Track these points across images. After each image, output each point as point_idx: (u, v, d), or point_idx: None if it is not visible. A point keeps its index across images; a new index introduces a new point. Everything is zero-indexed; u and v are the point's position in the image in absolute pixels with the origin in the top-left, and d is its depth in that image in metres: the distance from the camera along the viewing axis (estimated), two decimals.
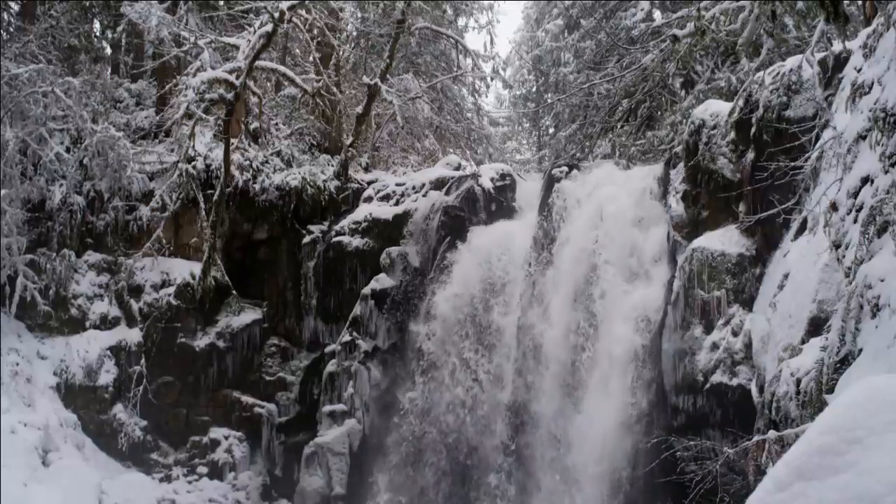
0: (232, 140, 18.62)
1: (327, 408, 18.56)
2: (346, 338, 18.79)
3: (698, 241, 14.62)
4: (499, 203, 19.28)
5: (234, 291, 19.82)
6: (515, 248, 17.94)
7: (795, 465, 4.42)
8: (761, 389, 11.90)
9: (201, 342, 19.50)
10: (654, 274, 15.94)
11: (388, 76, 21.35)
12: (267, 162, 20.46)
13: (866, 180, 8.88)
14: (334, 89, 21.59)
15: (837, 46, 12.51)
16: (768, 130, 13.63)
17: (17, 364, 17.04)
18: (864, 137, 9.00)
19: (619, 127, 23.85)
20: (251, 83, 18.27)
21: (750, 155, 14.22)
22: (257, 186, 20.05)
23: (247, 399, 19.54)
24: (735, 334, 13.80)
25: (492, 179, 19.45)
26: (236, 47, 18.11)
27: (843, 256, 9.37)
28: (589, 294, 16.32)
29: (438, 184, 19.68)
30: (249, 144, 20.93)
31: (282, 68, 20.37)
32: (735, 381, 13.61)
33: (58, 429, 16.79)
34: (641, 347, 15.24)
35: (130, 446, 18.46)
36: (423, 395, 17.80)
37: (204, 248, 18.32)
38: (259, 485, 19.00)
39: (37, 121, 17.70)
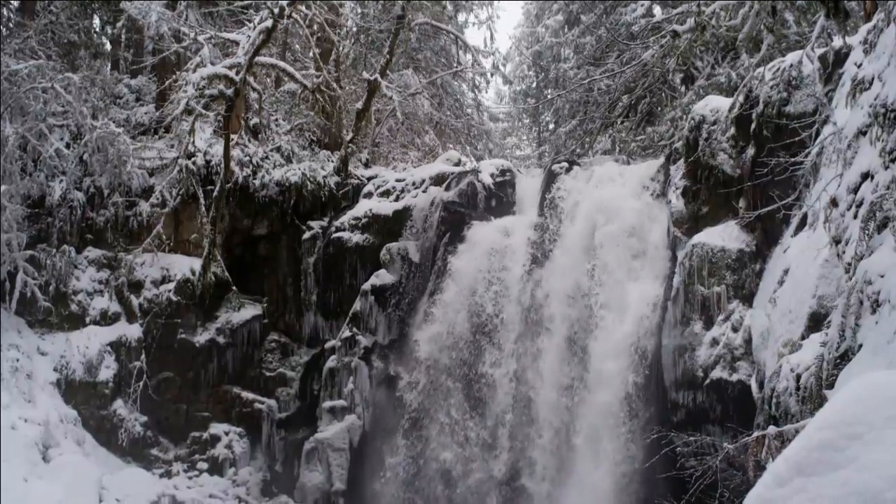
0: (232, 136, 18.62)
1: (327, 403, 18.55)
2: (346, 333, 18.78)
3: (698, 237, 14.61)
4: (499, 199, 19.26)
5: (234, 287, 19.81)
6: (515, 244, 17.94)
7: (795, 461, 4.42)
8: (761, 385, 11.91)
9: (201, 338, 19.50)
10: (654, 269, 15.94)
11: (388, 72, 21.31)
12: (267, 158, 20.45)
13: (866, 176, 8.87)
14: (334, 85, 21.56)
15: (838, 42, 12.49)
16: (768, 126, 13.62)
17: (18, 360, 17.04)
18: (864, 133, 9.01)
19: (619, 123, 23.83)
20: (251, 79, 18.23)
21: (750, 151, 14.22)
22: (257, 182, 20.04)
23: (247, 395, 19.55)
24: (735, 330, 13.80)
25: (492, 175, 19.42)
26: (236, 43, 18.09)
27: (843, 252, 9.37)
28: (588, 289, 16.34)
29: (438, 179, 19.66)
30: (249, 140, 20.91)
31: (282, 64, 20.32)
32: (735, 377, 13.63)
33: (58, 424, 16.81)
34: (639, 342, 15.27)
35: (131, 442, 18.47)
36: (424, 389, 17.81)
37: (204, 244, 18.34)
38: (259, 480, 19.00)
39: (37, 117, 17.68)
